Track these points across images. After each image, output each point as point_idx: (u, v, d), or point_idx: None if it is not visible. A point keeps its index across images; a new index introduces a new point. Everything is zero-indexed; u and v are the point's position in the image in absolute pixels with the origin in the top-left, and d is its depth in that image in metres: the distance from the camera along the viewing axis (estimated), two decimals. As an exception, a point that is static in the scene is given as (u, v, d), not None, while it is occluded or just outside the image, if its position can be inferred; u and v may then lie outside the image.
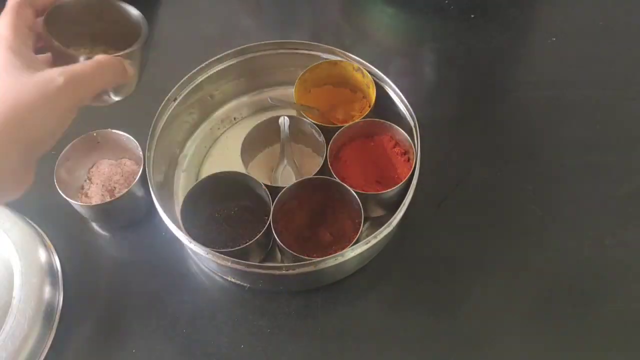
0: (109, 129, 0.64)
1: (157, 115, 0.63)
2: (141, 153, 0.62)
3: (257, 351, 0.57)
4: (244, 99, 0.73)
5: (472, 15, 0.82)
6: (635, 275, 0.61)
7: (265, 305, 0.60)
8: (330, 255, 0.53)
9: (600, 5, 0.83)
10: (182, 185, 0.67)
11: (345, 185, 0.57)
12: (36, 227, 0.63)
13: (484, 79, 0.77)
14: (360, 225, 0.57)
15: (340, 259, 0.53)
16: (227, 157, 0.69)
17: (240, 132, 0.70)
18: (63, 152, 0.62)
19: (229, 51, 0.67)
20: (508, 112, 0.74)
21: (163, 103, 0.64)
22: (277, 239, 0.55)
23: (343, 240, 0.58)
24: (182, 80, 0.65)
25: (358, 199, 0.56)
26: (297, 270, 0.53)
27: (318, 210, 0.61)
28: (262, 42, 0.68)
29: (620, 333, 0.57)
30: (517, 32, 0.81)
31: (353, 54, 0.65)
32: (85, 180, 0.65)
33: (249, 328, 0.58)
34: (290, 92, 0.65)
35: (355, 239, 0.55)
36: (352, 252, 0.54)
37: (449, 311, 0.59)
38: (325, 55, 0.67)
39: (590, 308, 0.59)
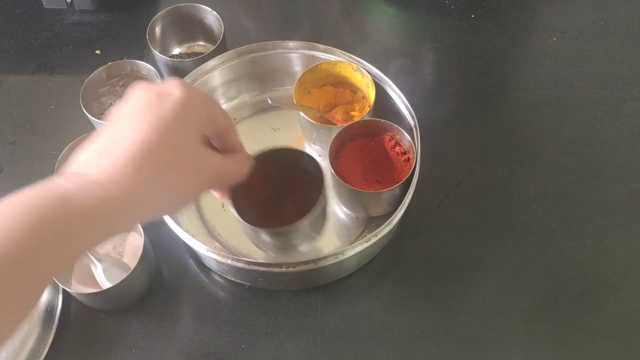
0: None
1: None
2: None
3: (257, 351, 0.57)
4: (245, 99, 0.73)
5: (473, 15, 0.82)
6: (636, 275, 0.61)
7: (265, 304, 0.60)
8: (331, 254, 0.53)
9: (601, 5, 0.83)
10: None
11: (308, 153, 0.52)
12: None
13: (484, 78, 0.77)
14: (324, 199, 0.51)
15: (340, 257, 0.53)
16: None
17: (241, 132, 0.70)
18: (63, 152, 0.62)
19: (229, 51, 0.67)
20: (508, 112, 0.74)
21: None
22: (238, 216, 0.49)
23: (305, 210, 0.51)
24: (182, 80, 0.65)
25: (321, 168, 0.51)
26: (297, 268, 0.53)
27: (281, 183, 0.55)
28: (262, 42, 0.68)
29: (621, 333, 0.57)
30: (517, 32, 0.81)
31: (353, 54, 0.65)
32: (86, 180, 0.65)
33: (249, 328, 0.58)
34: (290, 92, 0.65)
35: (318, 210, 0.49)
36: (352, 251, 0.54)
37: (449, 311, 0.59)
38: (325, 56, 0.67)
39: (590, 308, 0.59)
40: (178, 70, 0.70)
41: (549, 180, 0.67)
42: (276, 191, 0.54)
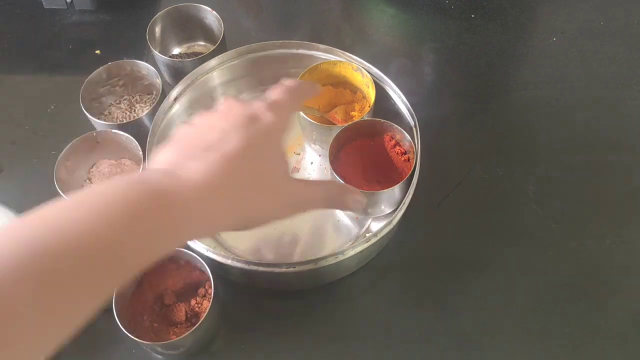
0: (109, 129, 0.64)
1: (157, 114, 0.63)
2: (141, 153, 0.62)
3: (257, 351, 0.57)
4: (245, 99, 0.73)
5: (473, 15, 0.82)
6: (636, 275, 0.61)
7: (265, 304, 0.60)
8: (331, 254, 0.53)
9: (601, 5, 0.83)
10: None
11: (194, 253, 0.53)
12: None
13: (484, 78, 0.77)
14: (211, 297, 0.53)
15: (340, 257, 0.53)
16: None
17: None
18: (63, 152, 0.62)
19: (229, 51, 0.67)
20: (508, 112, 0.74)
21: (163, 102, 0.64)
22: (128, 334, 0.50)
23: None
24: (182, 80, 0.65)
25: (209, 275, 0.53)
26: (297, 269, 0.53)
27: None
28: (263, 42, 0.68)
29: (621, 333, 0.57)
30: (517, 32, 0.81)
31: (353, 54, 0.65)
32: (85, 180, 0.65)
33: (249, 328, 0.58)
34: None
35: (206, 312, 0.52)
36: (352, 251, 0.54)
37: (449, 311, 0.59)
38: (325, 55, 0.67)
39: (591, 308, 0.59)
40: (178, 70, 0.70)
41: (549, 180, 0.67)
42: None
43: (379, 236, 0.55)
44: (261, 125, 0.39)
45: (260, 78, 0.72)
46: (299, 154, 0.68)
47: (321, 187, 0.45)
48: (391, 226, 0.55)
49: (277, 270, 0.54)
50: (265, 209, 0.40)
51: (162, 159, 0.37)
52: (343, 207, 0.53)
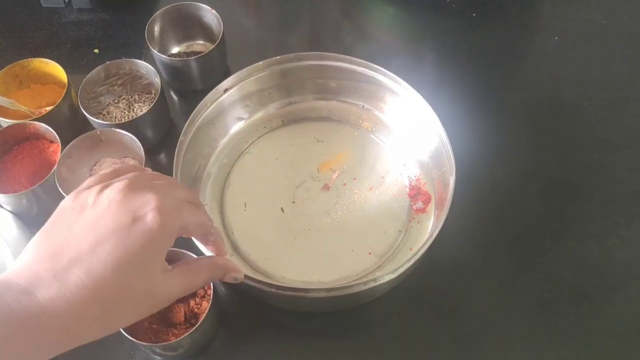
0: (113, 128, 0.64)
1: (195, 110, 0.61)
2: (143, 153, 0.61)
3: (258, 351, 0.57)
4: (272, 109, 0.71)
5: (474, 14, 0.82)
6: (637, 275, 0.61)
7: (265, 305, 0.60)
8: (317, 289, 0.51)
9: (602, 5, 0.83)
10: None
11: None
12: (33, 228, 0.62)
13: (485, 78, 0.76)
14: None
15: (323, 294, 0.51)
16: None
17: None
18: (65, 149, 0.61)
19: (257, 63, 0.65)
20: (509, 111, 0.74)
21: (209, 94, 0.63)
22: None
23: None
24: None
25: None
26: (287, 293, 0.51)
27: None
28: (297, 53, 0.66)
29: (622, 333, 0.57)
30: (518, 31, 0.81)
31: (353, 53, 0.65)
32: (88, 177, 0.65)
33: (248, 329, 0.58)
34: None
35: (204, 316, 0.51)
36: (322, 293, 0.51)
37: (449, 311, 0.59)
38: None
39: (592, 308, 0.59)
40: (177, 70, 0.69)
41: (549, 180, 0.67)
42: None
43: (369, 285, 0.51)
44: (140, 231, 0.36)
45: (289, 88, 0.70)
46: (335, 172, 0.66)
47: (204, 268, 0.44)
48: (396, 274, 0.53)
49: (266, 289, 0.52)
50: (138, 317, 0.38)
51: (30, 257, 0.36)
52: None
